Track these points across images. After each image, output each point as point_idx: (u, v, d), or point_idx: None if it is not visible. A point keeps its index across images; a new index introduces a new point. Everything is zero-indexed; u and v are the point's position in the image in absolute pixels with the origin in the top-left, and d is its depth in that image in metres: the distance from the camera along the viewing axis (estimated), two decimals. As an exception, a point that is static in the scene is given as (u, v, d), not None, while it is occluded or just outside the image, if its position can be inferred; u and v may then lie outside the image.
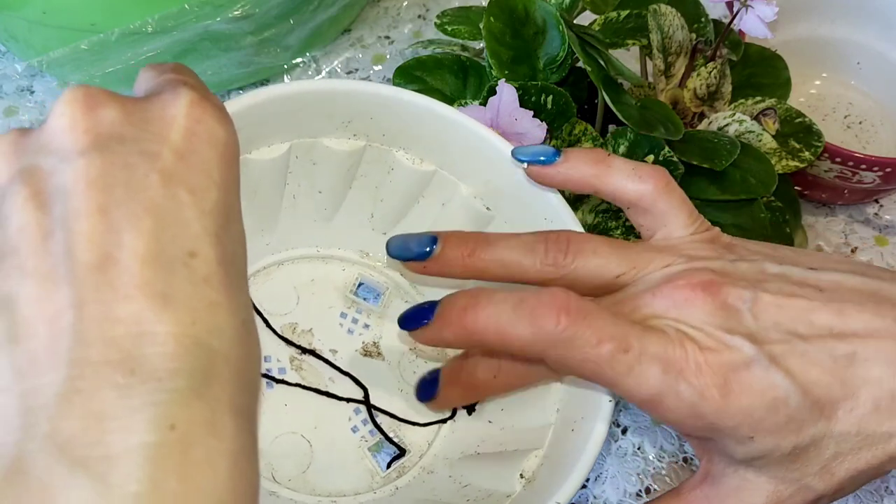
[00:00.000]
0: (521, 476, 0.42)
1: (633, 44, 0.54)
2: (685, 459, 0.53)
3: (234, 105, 0.39)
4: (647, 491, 0.52)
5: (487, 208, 0.46)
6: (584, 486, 0.52)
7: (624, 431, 0.54)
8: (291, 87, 0.41)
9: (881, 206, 0.63)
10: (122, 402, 0.23)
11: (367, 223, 0.48)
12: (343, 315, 0.48)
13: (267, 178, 0.44)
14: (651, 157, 0.49)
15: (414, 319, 0.38)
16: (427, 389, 0.44)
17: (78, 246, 0.25)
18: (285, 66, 0.67)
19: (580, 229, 0.42)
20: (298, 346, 0.46)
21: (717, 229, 0.39)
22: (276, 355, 0.46)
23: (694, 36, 0.55)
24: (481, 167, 0.44)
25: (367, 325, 0.48)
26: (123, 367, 0.24)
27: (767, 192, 0.48)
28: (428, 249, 0.39)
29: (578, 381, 0.42)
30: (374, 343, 0.47)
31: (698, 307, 0.34)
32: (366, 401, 0.45)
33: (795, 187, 0.60)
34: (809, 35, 0.65)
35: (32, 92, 0.68)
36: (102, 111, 0.27)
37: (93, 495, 0.22)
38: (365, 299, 0.49)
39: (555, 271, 0.38)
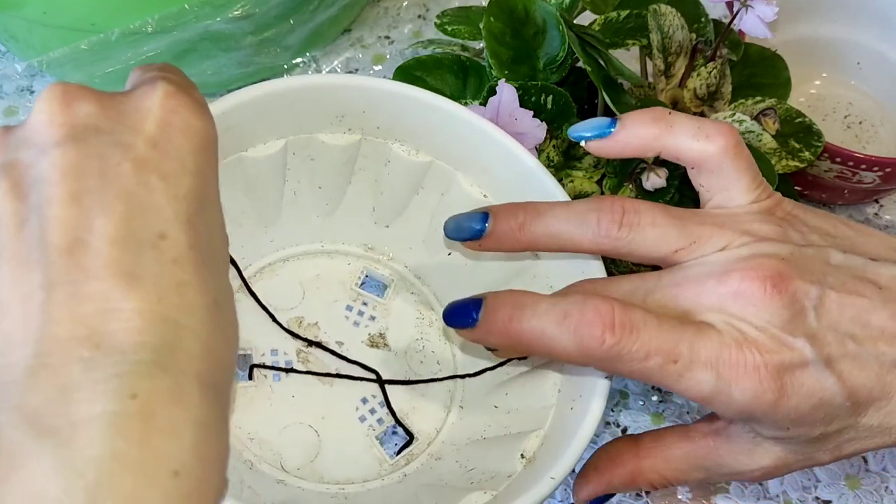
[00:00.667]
0: (522, 456, 0.42)
1: (633, 44, 0.54)
2: (685, 459, 0.53)
3: (223, 103, 0.39)
4: (647, 491, 0.52)
5: (485, 196, 0.46)
6: (583, 486, 0.52)
7: (624, 431, 0.54)
8: (279, 84, 0.41)
9: (881, 206, 0.63)
10: (87, 374, 0.24)
11: (369, 216, 0.49)
12: (349, 308, 0.48)
13: (265, 176, 0.44)
14: (651, 157, 0.49)
15: (459, 317, 0.38)
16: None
17: (50, 231, 0.26)
18: (285, 66, 0.67)
19: None
20: (304, 339, 0.46)
21: (779, 194, 0.38)
22: (282, 349, 0.46)
23: (694, 36, 0.55)
24: (476, 155, 0.44)
25: (373, 318, 0.48)
26: (89, 342, 0.25)
27: (767, 192, 0.48)
28: (480, 227, 0.39)
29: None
30: (381, 334, 0.48)
31: (766, 305, 0.34)
32: (379, 380, 0.46)
33: (795, 187, 0.59)
34: (809, 35, 0.65)
35: (32, 92, 0.68)
36: (79, 105, 0.28)
37: (55, 460, 0.23)
38: (370, 292, 0.49)
39: (609, 244, 0.37)
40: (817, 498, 0.52)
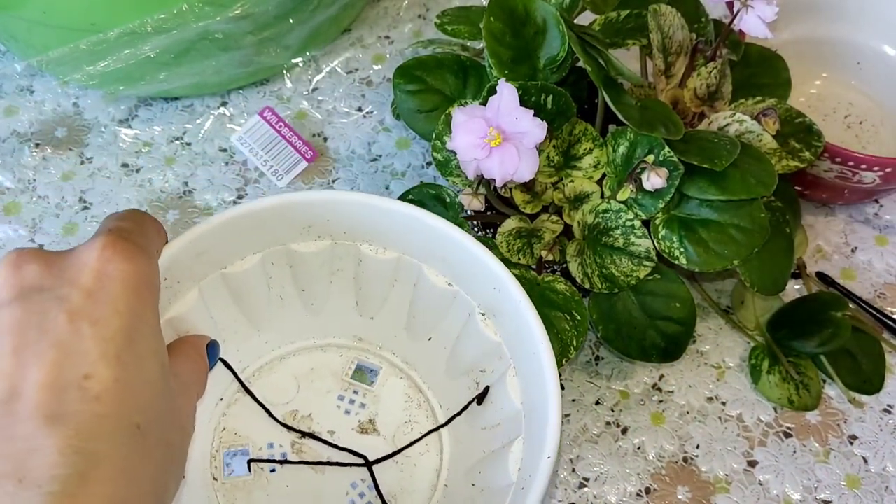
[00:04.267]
0: None
1: (633, 44, 0.54)
2: (685, 459, 0.53)
3: (191, 234, 0.43)
4: (647, 491, 0.52)
5: (450, 284, 0.48)
6: (584, 486, 0.52)
7: (624, 431, 0.54)
8: (242, 208, 0.44)
9: (881, 206, 0.63)
10: None
11: (353, 310, 0.52)
12: (340, 398, 0.51)
13: (249, 286, 0.48)
14: (651, 157, 0.49)
15: None
16: None
17: None
18: (285, 66, 0.67)
19: (523, 297, 0.43)
20: (298, 431, 0.50)
21: None
22: (278, 441, 0.49)
23: (694, 36, 0.55)
24: (433, 248, 0.47)
25: (363, 405, 0.51)
26: (14, 477, 0.29)
27: (767, 192, 0.48)
28: None
29: (534, 439, 0.43)
30: (370, 420, 0.50)
31: None
32: (367, 463, 0.49)
33: (795, 187, 0.60)
34: (809, 35, 0.65)
35: (32, 91, 0.68)
36: (27, 268, 0.34)
37: None
38: (361, 381, 0.52)
39: None
40: (817, 498, 0.52)
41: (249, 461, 0.48)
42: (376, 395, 0.51)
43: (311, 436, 0.49)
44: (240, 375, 0.50)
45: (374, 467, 0.49)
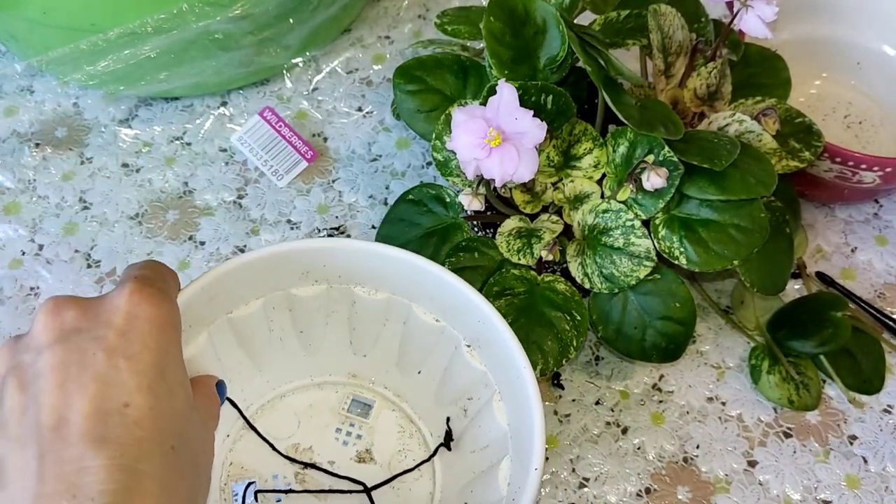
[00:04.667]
0: None
1: (633, 44, 0.54)
2: (685, 459, 0.53)
3: (203, 280, 0.47)
4: (647, 491, 0.52)
5: (437, 320, 0.50)
6: (584, 486, 0.52)
7: (624, 431, 0.54)
8: (247, 256, 0.48)
9: (881, 206, 0.63)
10: None
11: (348, 349, 0.54)
12: (338, 430, 0.54)
13: (251, 329, 0.52)
14: (651, 157, 0.49)
15: None
16: None
17: (42, 414, 0.35)
18: (285, 66, 0.67)
19: (505, 327, 0.46)
20: (301, 462, 0.53)
21: None
22: (282, 473, 0.53)
23: (694, 36, 0.55)
24: (422, 287, 0.49)
25: (359, 436, 0.54)
26: (67, 494, 0.33)
27: (767, 192, 0.48)
28: None
29: (521, 455, 0.45)
30: (367, 450, 0.53)
31: None
32: (366, 489, 0.51)
33: (795, 187, 0.60)
34: (809, 35, 0.65)
35: (32, 92, 0.68)
36: (65, 313, 0.38)
37: None
38: (357, 414, 0.54)
39: None
40: (817, 498, 0.52)
41: (257, 492, 0.51)
42: (371, 427, 0.54)
43: (313, 466, 0.52)
44: (245, 413, 0.53)
45: (373, 493, 0.51)
